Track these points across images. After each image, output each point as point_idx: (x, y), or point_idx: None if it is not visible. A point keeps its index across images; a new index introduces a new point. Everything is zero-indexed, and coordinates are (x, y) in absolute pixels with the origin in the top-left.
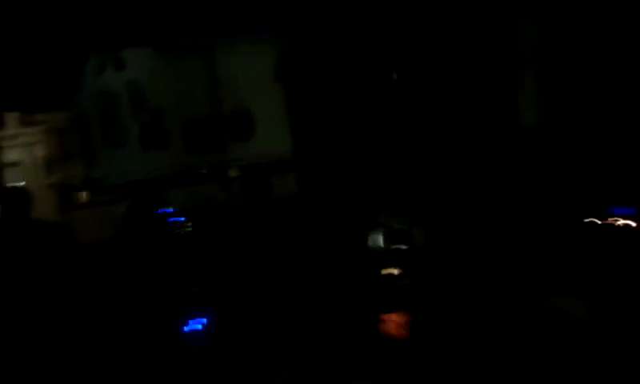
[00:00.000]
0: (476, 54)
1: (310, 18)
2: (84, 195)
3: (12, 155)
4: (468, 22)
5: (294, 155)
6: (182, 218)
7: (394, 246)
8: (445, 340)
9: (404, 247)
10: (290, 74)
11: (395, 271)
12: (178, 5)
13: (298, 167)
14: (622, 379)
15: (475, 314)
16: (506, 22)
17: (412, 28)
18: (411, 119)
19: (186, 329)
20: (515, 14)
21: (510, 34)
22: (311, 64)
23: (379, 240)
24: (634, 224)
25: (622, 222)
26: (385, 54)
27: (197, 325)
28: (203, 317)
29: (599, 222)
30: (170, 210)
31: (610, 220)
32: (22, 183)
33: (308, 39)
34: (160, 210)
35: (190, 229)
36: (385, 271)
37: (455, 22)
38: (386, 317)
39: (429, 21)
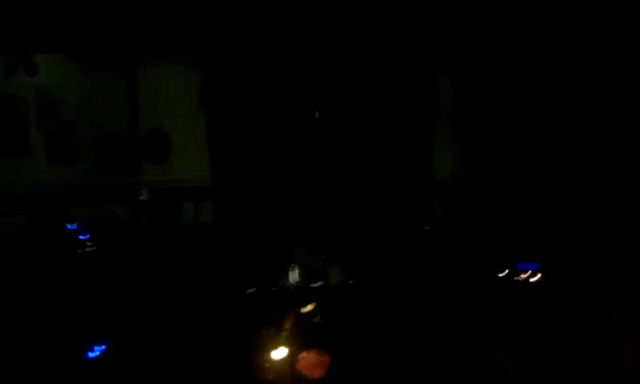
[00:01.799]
0: (395, 103)
1: (237, 49)
2: None
3: None
4: (389, 72)
5: (210, 183)
6: (87, 236)
7: (309, 284)
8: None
9: (319, 284)
10: (214, 100)
11: (310, 308)
12: (100, 13)
13: (214, 196)
14: None
15: (394, 353)
16: (425, 75)
17: (335, 73)
18: (330, 160)
19: (83, 356)
20: (433, 69)
21: (428, 87)
22: (235, 94)
23: (294, 277)
24: (537, 278)
25: (527, 276)
26: (309, 94)
27: (94, 352)
28: (101, 343)
29: (507, 277)
30: (74, 226)
31: (519, 275)
32: None
33: (234, 69)
34: (68, 226)
35: (93, 248)
36: (303, 310)
37: (376, 71)
38: (301, 355)
39: (351, 67)
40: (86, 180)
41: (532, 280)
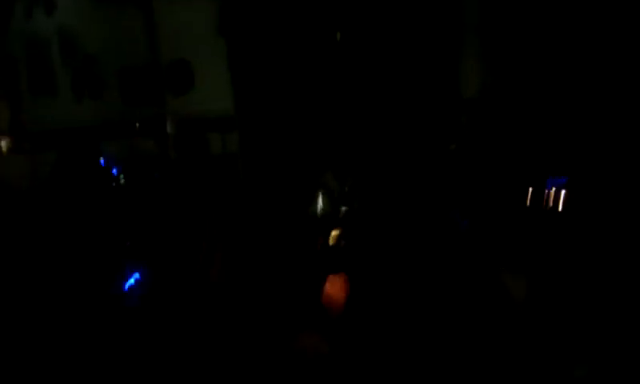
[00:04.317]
0: (420, 19)
1: None
2: (9, 141)
3: None
4: None
5: (234, 112)
6: (115, 170)
7: (335, 208)
8: (384, 303)
9: (344, 208)
10: (233, 27)
11: (336, 232)
12: None
13: (239, 125)
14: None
15: (415, 280)
16: None
17: None
18: (353, 82)
19: (122, 284)
20: None
21: (455, 3)
22: (254, 18)
23: (325, 203)
24: (564, 193)
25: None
26: (329, 14)
27: (130, 280)
28: (136, 272)
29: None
30: (102, 161)
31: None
32: None
33: None
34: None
35: (122, 181)
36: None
37: None
38: (327, 278)
39: None
40: (112, 114)
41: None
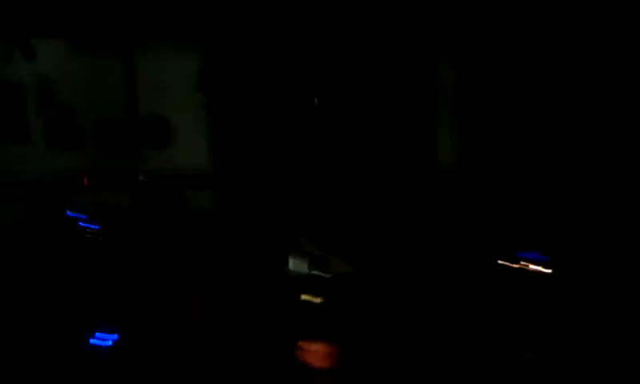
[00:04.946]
0: (396, 90)
1: (235, 32)
2: None
3: None
4: (390, 58)
5: (212, 170)
6: (96, 226)
7: (314, 273)
8: (370, 372)
9: (326, 275)
10: (213, 85)
11: (316, 299)
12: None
13: (216, 182)
14: None
15: (399, 345)
16: (427, 61)
17: (335, 58)
18: (331, 145)
19: (92, 343)
20: (436, 55)
21: (430, 73)
22: (234, 78)
23: (299, 266)
24: (543, 269)
25: (532, 266)
26: (308, 79)
27: (105, 340)
28: (112, 332)
29: (510, 266)
30: (83, 216)
31: (521, 264)
32: None
33: (232, 52)
34: (70, 213)
35: (102, 237)
36: (304, 298)
37: (378, 57)
38: (305, 346)
39: (351, 52)
40: (86, 166)
41: (531, 268)
